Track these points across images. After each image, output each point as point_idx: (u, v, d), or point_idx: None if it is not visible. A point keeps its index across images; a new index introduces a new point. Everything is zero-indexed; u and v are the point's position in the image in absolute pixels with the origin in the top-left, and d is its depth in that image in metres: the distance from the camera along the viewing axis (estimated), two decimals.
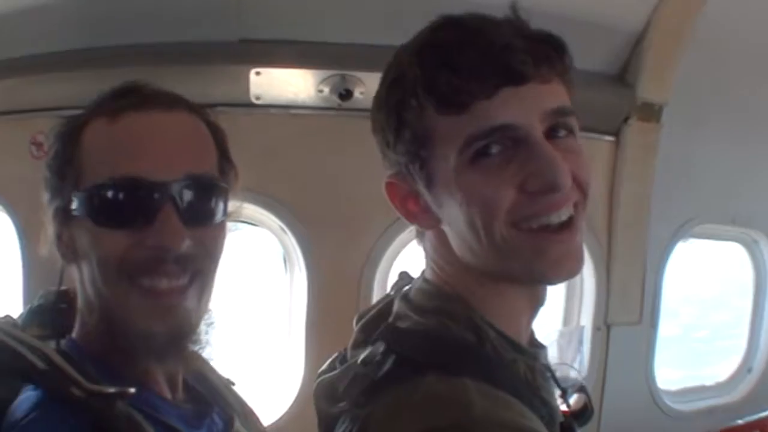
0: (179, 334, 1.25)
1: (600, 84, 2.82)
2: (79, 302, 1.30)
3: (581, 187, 1.11)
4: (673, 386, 3.52)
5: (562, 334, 1.51)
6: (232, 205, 1.33)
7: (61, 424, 1.11)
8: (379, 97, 1.18)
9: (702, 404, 3.52)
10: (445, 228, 1.16)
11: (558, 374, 1.28)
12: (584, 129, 3.12)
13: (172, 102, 1.27)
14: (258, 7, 2.43)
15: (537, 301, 1.22)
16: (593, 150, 2.83)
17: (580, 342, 1.58)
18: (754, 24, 2.86)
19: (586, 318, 2.92)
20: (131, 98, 1.24)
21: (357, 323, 1.32)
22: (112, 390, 1.13)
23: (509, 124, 1.07)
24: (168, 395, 1.31)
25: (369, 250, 2.64)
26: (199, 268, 1.26)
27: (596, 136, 2.84)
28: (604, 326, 2.94)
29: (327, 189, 2.61)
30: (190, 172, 1.24)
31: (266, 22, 2.47)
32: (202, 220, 1.26)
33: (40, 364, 1.15)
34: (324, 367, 1.34)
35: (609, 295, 2.90)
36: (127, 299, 1.22)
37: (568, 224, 1.10)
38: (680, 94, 2.87)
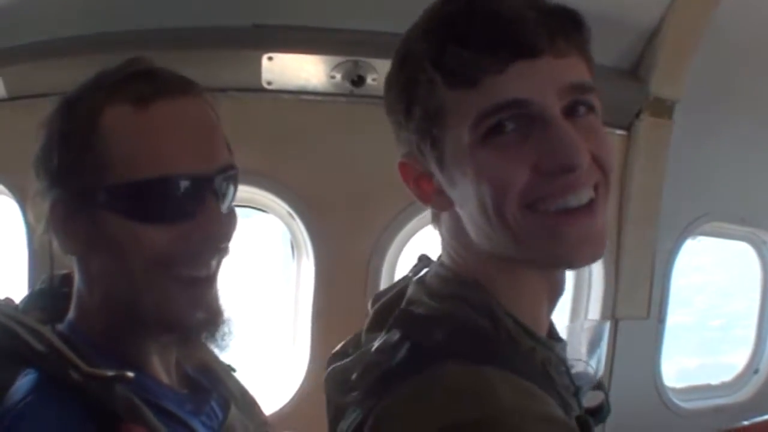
0: (216, 321, 1.27)
1: (612, 78, 2.81)
2: (78, 287, 1.29)
3: (602, 167, 1.06)
4: (688, 375, 3.50)
5: (574, 330, 1.48)
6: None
7: (58, 407, 1.11)
8: (389, 76, 1.15)
9: (708, 403, 3.51)
10: (459, 210, 1.13)
11: (573, 371, 1.21)
12: None
13: (189, 86, 1.25)
14: None
15: (556, 289, 1.18)
16: None
17: (600, 339, 1.55)
18: None
19: (594, 312, 2.91)
20: (154, 83, 1.22)
21: (372, 305, 1.30)
22: (110, 373, 1.12)
23: (522, 99, 1.02)
24: (165, 379, 1.31)
25: (378, 237, 2.63)
26: (225, 254, 1.28)
27: (608, 129, 2.81)
28: (611, 320, 2.92)
29: (336, 175, 2.60)
30: (225, 163, 1.26)
31: (279, 7, 2.46)
32: (229, 206, 1.28)
33: (39, 347, 1.14)
34: (337, 348, 1.32)
35: (617, 289, 2.88)
36: (166, 290, 1.22)
37: (588, 206, 1.05)
38: (693, 90, 2.86)
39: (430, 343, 1.08)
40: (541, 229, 1.05)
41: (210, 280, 1.26)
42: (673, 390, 3.34)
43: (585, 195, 1.05)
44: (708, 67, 2.84)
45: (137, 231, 1.20)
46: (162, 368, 1.31)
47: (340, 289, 2.60)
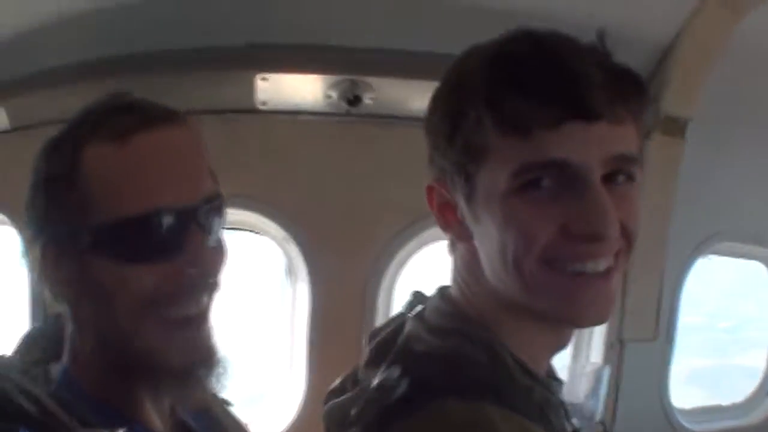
0: (210, 361, 1.23)
1: None
2: (70, 332, 1.25)
3: (628, 237, 1.05)
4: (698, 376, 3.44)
5: (574, 372, 1.44)
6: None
7: None
8: (437, 99, 1.13)
9: (718, 426, 3.44)
10: (477, 245, 1.11)
11: (570, 410, 1.23)
12: None
13: (170, 116, 1.21)
14: (265, 11, 2.36)
15: (559, 342, 1.17)
16: None
17: (598, 382, 1.51)
18: None
19: (599, 334, 2.86)
20: (133, 116, 1.17)
21: (369, 341, 1.27)
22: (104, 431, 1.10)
23: (569, 162, 1.00)
24: (159, 427, 1.27)
25: (374, 259, 2.58)
26: (216, 288, 1.24)
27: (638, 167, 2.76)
28: (617, 342, 2.87)
29: (333, 197, 2.54)
30: (210, 192, 1.20)
31: (273, 25, 2.40)
32: (217, 237, 1.23)
33: (32, 409, 1.10)
34: (335, 384, 1.31)
35: (624, 311, 2.82)
36: (157, 333, 1.17)
37: (603, 273, 1.04)
38: (705, 109, 2.78)
39: (430, 380, 1.06)
40: (555, 286, 1.05)
41: (202, 317, 1.21)
42: (682, 412, 3.27)
43: (603, 263, 1.04)
44: (721, 85, 2.76)
45: (124, 272, 1.15)
46: (156, 415, 1.27)
47: (337, 313, 2.56)
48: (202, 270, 1.18)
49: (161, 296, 1.16)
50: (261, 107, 2.48)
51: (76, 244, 1.17)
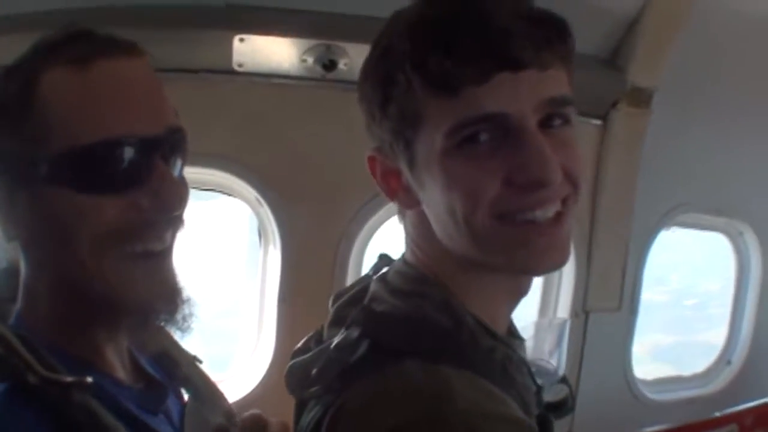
0: (175, 300, 1.19)
1: (589, 66, 2.78)
2: (24, 276, 1.20)
3: (573, 181, 1.06)
4: (664, 356, 3.50)
5: (539, 327, 1.47)
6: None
7: (14, 412, 1.04)
8: (367, 67, 1.12)
9: (680, 395, 3.50)
10: (425, 210, 1.12)
11: (534, 369, 1.24)
12: None
13: (131, 47, 1.16)
14: None
15: (519, 292, 1.18)
16: (579, 133, 2.76)
17: (561, 336, 1.55)
18: (750, 12, 2.81)
19: (564, 304, 2.90)
20: (93, 44, 1.13)
21: (333, 303, 1.29)
22: (69, 379, 1.06)
23: (501, 113, 1.02)
24: (120, 374, 1.24)
25: (346, 224, 2.60)
26: (180, 224, 1.21)
27: (583, 119, 2.79)
28: (582, 312, 2.91)
29: (306, 161, 2.55)
30: (173, 124, 1.16)
31: None
32: (180, 172, 1.20)
33: None
34: (299, 345, 1.31)
35: (588, 281, 2.86)
36: (119, 269, 1.13)
37: (554, 219, 1.06)
38: (671, 80, 2.83)
39: (389, 342, 1.08)
40: (508, 238, 1.06)
41: (166, 254, 1.18)
42: (644, 382, 3.33)
43: (552, 209, 1.05)
44: (687, 56, 2.81)
45: (84, 204, 1.10)
46: (117, 361, 1.24)
47: (307, 277, 2.57)
48: (165, 203, 1.14)
49: (122, 229, 1.12)
50: (237, 69, 2.47)
51: (32, 175, 1.11)
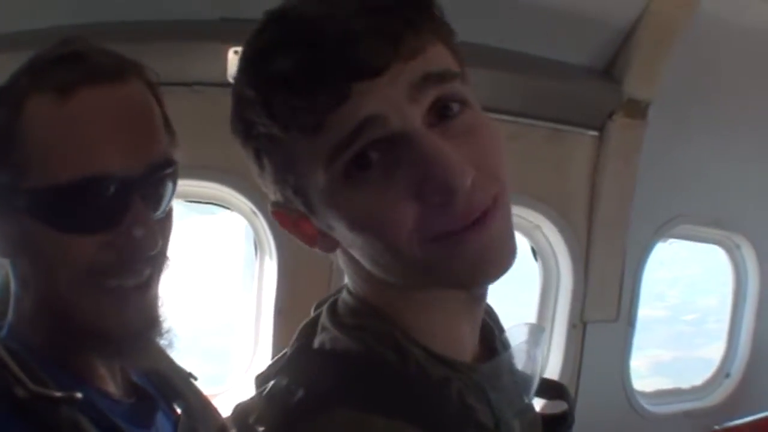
0: (150, 329, 1.17)
1: (586, 78, 2.79)
2: (14, 289, 1.18)
3: (492, 173, 0.89)
4: (664, 371, 3.49)
5: (512, 333, 1.40)
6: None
7: (8, 425, 1.02)
8: (232, 120, 0.98)
9: (678, 407, 3.48)
10: (347, 248, 0.98)
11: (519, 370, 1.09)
12: (568, 122, 3.08)
13: (121, 71, 1.12)
14: None
15: (473, 301, 1.02)
16: (576, 144, 2.81)
17: (538, 340, 1.47)
18: (746, 25, 2.82)
19: (562, 315, 2.89)
20: (79, 68, 1.09)
21: (314, 311, 1.15)
22: (58, 394, 1.03)
23: (374, 116, 0.85)
24: (111, 388, 1.22)
25: None
26: (161, 260, 1.17)
27: (579, 130, 2.79)
28: (580, 323, 2.90)
29: None
30: (159, 159, 1.12)
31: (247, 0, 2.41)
32: (164, 209, 1.16)
33: None
34: (263, 370, 1.14)
35: (586, 293, 2.85)
36: (93, 302, 1.11)
37: (478, 221, 0.88)
38: (667, 91, 2.83)
39: (321, 388, 0.96)
40: (440, 256, 0.89)
41: (143, 288, 1.15)
42: (643, 394, 3.32)
43: (477, 212, 0.88)
44: (683, 67, 2.82)
45: (60, 240, 1.08)
46: (107, 374, 1.22)
47: (303, 289, 2.55)
48: (142, 244, 1.10)
49: (99, 267, 1.10)
50: (233, 81, 2.47)
51: (13, 205, 1.10)
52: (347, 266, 1.03)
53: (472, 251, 0.88)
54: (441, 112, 0.87)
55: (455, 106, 0.87)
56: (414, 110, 0.85)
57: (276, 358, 1.20)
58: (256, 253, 2.64)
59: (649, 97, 2.83)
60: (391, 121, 0.84)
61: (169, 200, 1.18)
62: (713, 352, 3.76)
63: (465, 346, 1.04)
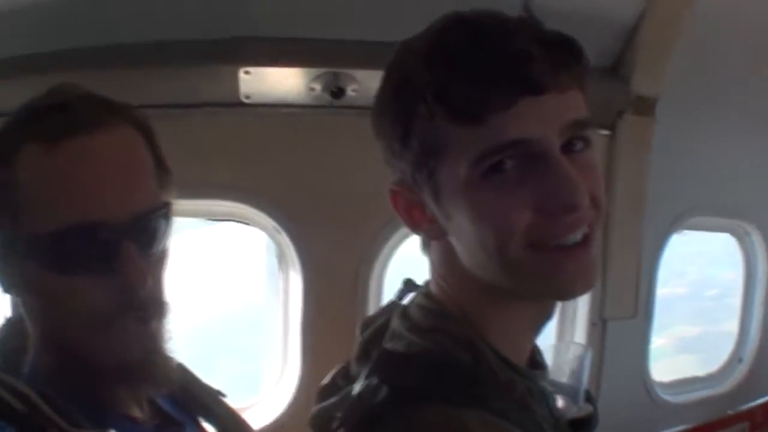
0: (154, 361, 1.21)
1: (594, 77, 2.78)
2: (30, 328, 1.23)
3: (597, 205, 1.06)
4: (690, 347, 3.49)
5: (558, 350, 1.45)
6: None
7: None
8: (381, 101, 1.11)
9: (694, 396, 3.52)
10: (453, 240, 1.11)
11: (554, 389, 1.24)
12: None
13: (108, 117, 1.16)
14: (247, 4, 2.37)
15: (544, 317, 1.18)
16: None
17: (582, 367, 1.51)
18: (749, 18, 2.84)
19: (582, 313, 2.91)
20: (66, 118, 1.13)
21: (362, 332, 1.29)
22: None
23: (527, 139, 1.01)
24: (136, 413, 1.26)
25: (365, 247, 2.61)
26: (159, 299, 1.22)
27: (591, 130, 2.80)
28: (600, 321, 2.92)
29: (320, 188, 2.56)
30: (148, 205, 1.17)
31: (256, 19, 2.41)
32: (157, 248, 1.21)
33: (20, 407, 1.08)
34: (326, 381, 1.32)
35: (605, 290, 2.88)
36: (94, 336, 1.16)
37: (582, 243, 1.05)
38: (674, 86, 2.85)
39: (407, 387, 1.07)
40: (541, 265, 1.05)
41: (141, 322, 1.19)
42: (662, 384, 3.35)
43: (581, 233, 1.05)
44: (690, 61, 2.84)
45: (57, 283, 1.14)
46: (131, 399, 1.26)
47: (330, 302, 2.58)
48: (134, 287, 1.15)
49: (95, 308, 1.14)
50: (245, 101, 2.48)
51: (13, 249, 1.15)
52: (441, 261, 1.16)
53: (573, 267, 1.04)
54: (568, 146, 1.03)
55: (579, 145, 1.05)
56: (556, 141, 1.01)
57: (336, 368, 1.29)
58: (279, 267, 2.66)
59: (656, 94, 2.85)
60: (538, 145, 1.01)
61: (164, 239, 1.22)
62: (736, 325, 3.79)
63: (525, 353, 1.18)
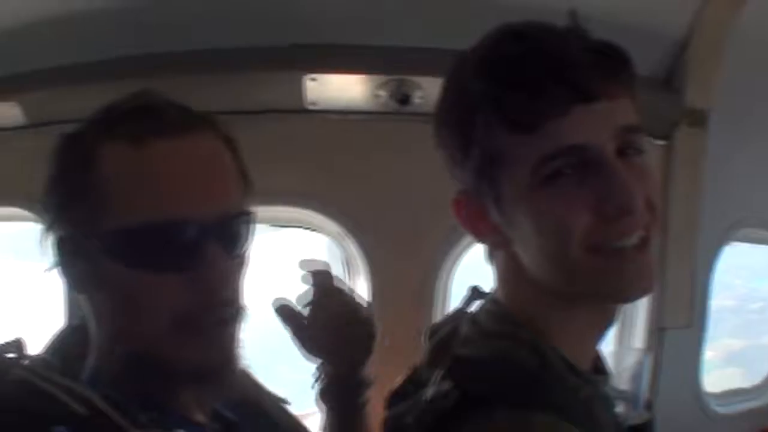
0: (229, 366, 1.21)
1: (648, 89, 2.82)
2: (92, 328, 1.22)
3: (652, 209, 1.10)
4: (737, 360, 3.49)
5: (619, 357, 1.47)
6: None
7: None
8: (441, 112, 1.16)
9: (742, 407, 3.52)
10: (516, 248, 1.14)
11: (615, 395, 1.28)
12: None
13: (192, 123, 1.18)
14: (310, 11, 2.39)
15: (607, 323, 1.20)
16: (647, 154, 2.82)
17: (642, 376, 1.52)
18: None
19: (641, 322, 2.91)
20: (152, 120, 1.14)
21: (429, 338, 1.32)
22: None
23: (582, 145, 1.05)
24: (197, 416, 1.26)
25: (432, 254, 2.61)
26: (238, 303, 1.22)
27: (648, 140, 2.83)
28: (658, 330, 2.93)
29: (387, 194, 2.58)
30: (232, 209, 1.19)
31: (319, 25, 2.43)
32: (239, 253, 1.22)
33: (82, 410, 1.06)
34: (395, 386, 1.33)
35: (663, 300, 2.89)
36: (167, 340, 1.16)
37: (640, 246, 1.09)
38: (726, 96, 2.87)
39: (479, 390, 1.09)
40: (602, 268, 1.08)
41: (219, 326, 1.19)
42: (713, 395, 3.35)
43: (637, 236, 1.08)
44: (741, 74, 2.87)
45: (134, 280, 1.13)
46: (193, 401, 1.26)
47: (396, 308, 2.56)
48: (215, 289, 1.15)
49: (172, 307, 1.14)
50: (311, 107, 2.50)
51: (89, 245, 1.15)
52: (505, 269, 1.19)
53: (631, 269, 1.07)
54: (621, 152, 1.07)
55: (632, 151, 1.08)
56: (610, 146, 1.06)
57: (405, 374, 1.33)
58: (346, 273, 2.66)
59: (708, 106, 2.87)
60: (593, 151, 1.05)
61: (246, 245, 1.23)
62: None
63: (589, 359, 1.21)
